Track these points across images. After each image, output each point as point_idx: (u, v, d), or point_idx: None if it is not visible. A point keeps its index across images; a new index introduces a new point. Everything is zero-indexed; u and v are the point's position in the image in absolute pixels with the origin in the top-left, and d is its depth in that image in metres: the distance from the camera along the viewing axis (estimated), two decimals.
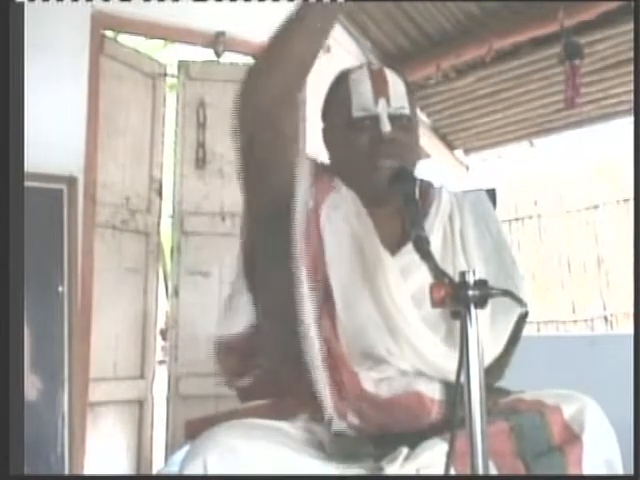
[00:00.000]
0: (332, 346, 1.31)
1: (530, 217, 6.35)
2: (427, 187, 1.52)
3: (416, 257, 1.24)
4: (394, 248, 1.40)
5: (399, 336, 1.34)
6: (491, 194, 1.57)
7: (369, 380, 1.32)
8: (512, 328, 1.41)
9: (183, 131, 3.80)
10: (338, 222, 1.39)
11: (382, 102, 1.41)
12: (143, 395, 3.57)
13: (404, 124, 1.42)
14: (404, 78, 1.48)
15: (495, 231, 1.50)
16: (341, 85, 1.47)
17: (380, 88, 1.42)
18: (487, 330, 1.36)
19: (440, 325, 1.36)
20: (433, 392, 1.33)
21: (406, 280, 1.36)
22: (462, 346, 1.01)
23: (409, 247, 1.35)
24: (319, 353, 1.28)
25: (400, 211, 1.34)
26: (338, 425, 1.27)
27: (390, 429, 1.29)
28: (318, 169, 1.45)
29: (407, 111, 1.43)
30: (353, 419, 1.29)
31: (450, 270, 1.06)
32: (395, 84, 1.44)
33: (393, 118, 1.40)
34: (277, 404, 1.40)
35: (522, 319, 1.42)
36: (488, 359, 1.37)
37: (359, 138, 1.41)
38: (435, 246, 1.37)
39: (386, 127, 1.39)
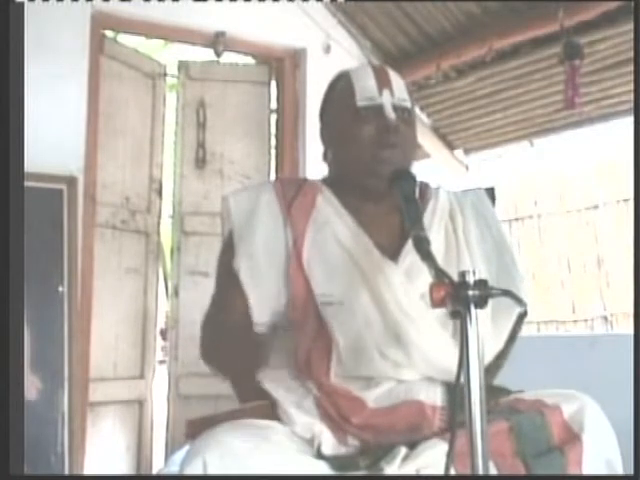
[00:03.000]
0: (324, 383, 1.30)
1: (530, 217, 6.33)
2: (424, 187, 1.52)
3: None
4: (395, 249, 1.39)
5: (408, 344, 1.31)
6: (490, 193, 1.58)
7: (371, 399, 1.30)
8: (512, 325, 1.42)
9: (183, 131, 3.80)
10: (326, 245, 1.38)
11: (386, 92, 1.43)
12: (143, 395, 3.57)
13: (405, 117, 1.44)
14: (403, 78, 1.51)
15: (495, 230, 1.50)
16: (341, 82, 1.49)
17: (383, 80, 1.45)
18: (489, 326, 1.36)
19: (449, 322, 1.33)
20: (434, 399, 1.31)
21: (413, 281, 1.35)
22: (462, 346, 1.00)
23: (410, 246, 1.34)
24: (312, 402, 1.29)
25: (398, 208, 1.33)
26: (337, 449, 1.26)
27: (390, 441, 1.27)
28: (293, 190, 1.46)
29: (409, 104, 1.46)
30: (354, 442, 1.28)
31: (455, 269, 1.05)
32: (396, 79, 1.47)
33: (396, 109, 1.42)
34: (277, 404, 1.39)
35: (521, 318, 1.42)
36: (490, 356, 1.38)
37: (364, 127, 1.41)
38: (438, 245, 1.37)
39: (391, 114, 1.41)
